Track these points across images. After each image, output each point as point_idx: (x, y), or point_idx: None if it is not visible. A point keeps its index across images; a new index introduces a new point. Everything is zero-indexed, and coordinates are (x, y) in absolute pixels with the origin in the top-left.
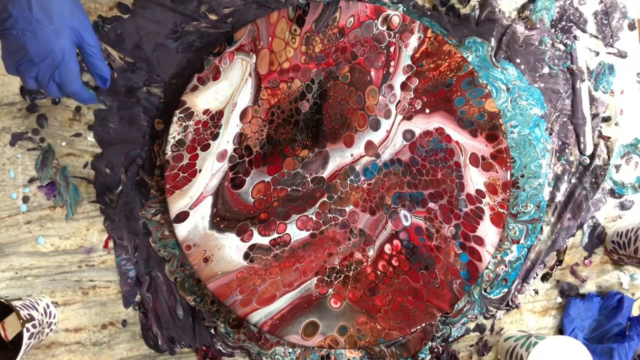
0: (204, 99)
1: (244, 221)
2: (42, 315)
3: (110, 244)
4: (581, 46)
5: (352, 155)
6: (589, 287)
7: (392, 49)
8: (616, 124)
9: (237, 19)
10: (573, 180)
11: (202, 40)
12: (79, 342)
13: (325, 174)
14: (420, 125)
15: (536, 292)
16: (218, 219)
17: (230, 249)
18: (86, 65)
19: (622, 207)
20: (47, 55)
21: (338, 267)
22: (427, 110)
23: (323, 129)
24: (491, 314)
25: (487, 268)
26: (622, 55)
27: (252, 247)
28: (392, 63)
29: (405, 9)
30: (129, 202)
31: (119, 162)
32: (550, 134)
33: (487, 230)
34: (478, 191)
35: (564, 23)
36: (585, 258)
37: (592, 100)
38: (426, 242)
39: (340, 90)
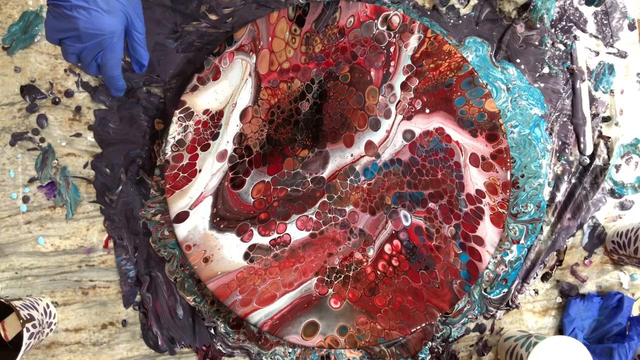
0: (204, 99)
1: (244, 221)
2: (42, 315)
3: (110, 244)
4: (581, 46)
5: (352, 155)
6: (589, 287)
7: (392, 49)
8: (616, 124)
9: (237, 19)
10: (573, 180)
11: (202, 40)
12: (79, 342)
13: (325, 174)
14: (420, 125)
15: (536, 292)
16: (218, 219)
17: (230, 249)
18: (128, 48)
19: (622, 207)
20: (96, 37)
21: (338, 267)
22: (427, 110)
23: (323, 129)
24: (491, 314)
25: (487, 268)
26: (622, 55)
27: (252, 247)
28: (392, 63)
29: (405, 9)
30: (129, 202)
31: (119, 162)
32: (550, 134)
33: (487, 230)
34: (478, 191)
35: (564, 23)
36: (585, 258)
37: (592, 100)
38: (426, 242)
39: (340, 90)
